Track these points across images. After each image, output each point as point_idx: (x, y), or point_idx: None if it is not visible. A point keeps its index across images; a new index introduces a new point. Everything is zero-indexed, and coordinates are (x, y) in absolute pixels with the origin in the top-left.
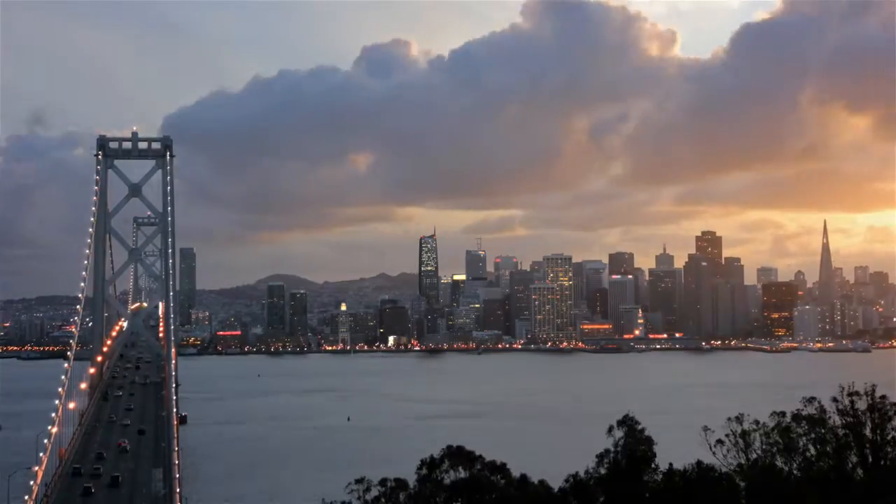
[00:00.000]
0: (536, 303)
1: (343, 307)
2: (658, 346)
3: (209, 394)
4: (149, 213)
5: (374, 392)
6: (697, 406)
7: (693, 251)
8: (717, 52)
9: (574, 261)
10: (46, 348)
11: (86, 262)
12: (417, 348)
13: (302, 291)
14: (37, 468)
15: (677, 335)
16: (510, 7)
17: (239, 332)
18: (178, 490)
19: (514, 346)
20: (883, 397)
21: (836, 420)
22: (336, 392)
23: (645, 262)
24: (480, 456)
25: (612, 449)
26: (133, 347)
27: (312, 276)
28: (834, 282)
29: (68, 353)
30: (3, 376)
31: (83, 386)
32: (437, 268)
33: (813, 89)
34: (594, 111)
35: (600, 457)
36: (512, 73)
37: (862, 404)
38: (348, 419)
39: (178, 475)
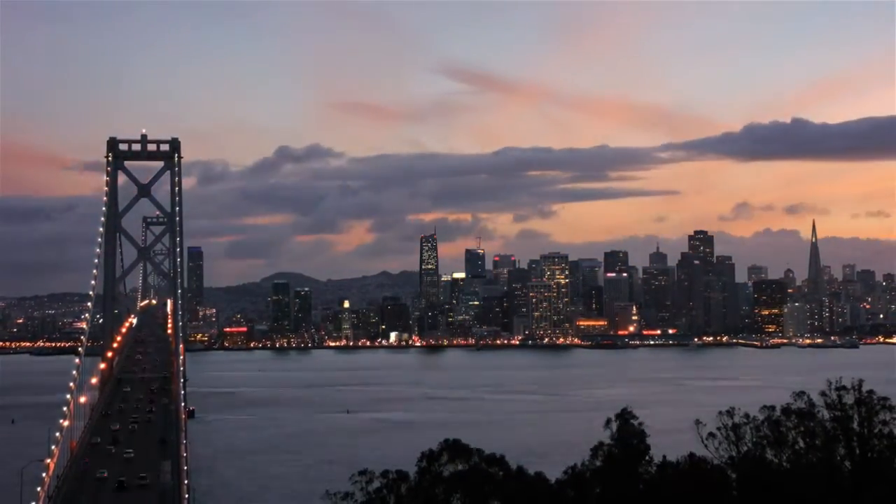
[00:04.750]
0: (534, 300)
1: (346, 304)
2: (651, 342)
3: (216, 389)
4: (157, 212)
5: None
6: None
7: (686, 250)
8: None
9: (570, 259)
10: (58, 344)
11: (96, 260)
12: (418, 344)
13: (306, 289)
14: (49, 461)
15: (670, 331)
16: None
17: (245, 329)
18: (185, 482)
19: (512, 342)
20: (870, 392)
21: (824, 414)
22: None
23: (639, 260)
24: (478, 449)
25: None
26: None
27: (316, 274)
28: (822, 279)
29: (79, 348)
30: (16, 371)
31: (94, 381)
32: (437, 266)
33: None
34: None
35: (595, 449)
36: None
37: (850, 398)
38: (347, 412)
39: (185, 467)
